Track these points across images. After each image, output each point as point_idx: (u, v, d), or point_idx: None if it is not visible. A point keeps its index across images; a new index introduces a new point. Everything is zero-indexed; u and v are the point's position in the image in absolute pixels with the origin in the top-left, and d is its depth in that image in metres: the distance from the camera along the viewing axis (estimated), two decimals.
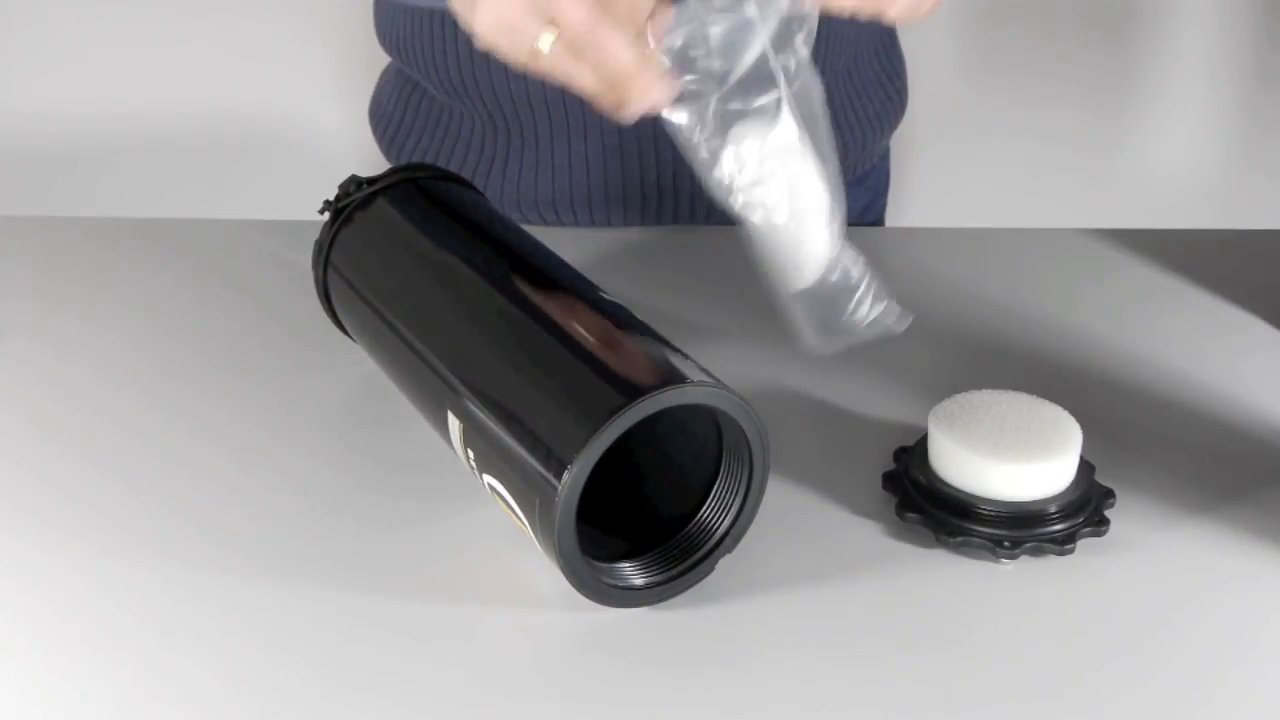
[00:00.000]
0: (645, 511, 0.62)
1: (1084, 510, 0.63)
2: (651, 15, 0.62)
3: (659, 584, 0.60)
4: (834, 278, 0.65)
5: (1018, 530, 0.62)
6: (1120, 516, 0.64)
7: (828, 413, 0.74)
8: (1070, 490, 0.63)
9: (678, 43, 0.62)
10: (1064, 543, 0.62)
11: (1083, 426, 0.64)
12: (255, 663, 0.57)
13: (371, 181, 0.74)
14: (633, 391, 0.55)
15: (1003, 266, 0.89)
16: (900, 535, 0.64)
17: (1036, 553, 0.62)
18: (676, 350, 0.60)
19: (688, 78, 0.63)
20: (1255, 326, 0.83)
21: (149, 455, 0.70)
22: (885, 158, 1.11)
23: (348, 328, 0.75)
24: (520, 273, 0.66)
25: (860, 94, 1.00)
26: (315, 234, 0.74)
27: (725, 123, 0.64)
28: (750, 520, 0.61)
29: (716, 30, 0.62)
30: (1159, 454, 0.70)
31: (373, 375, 0.76)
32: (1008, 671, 0.56)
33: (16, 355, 0.79)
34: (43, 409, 0.74)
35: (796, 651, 0.58)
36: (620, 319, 0.61)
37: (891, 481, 0.66)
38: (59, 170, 1.73)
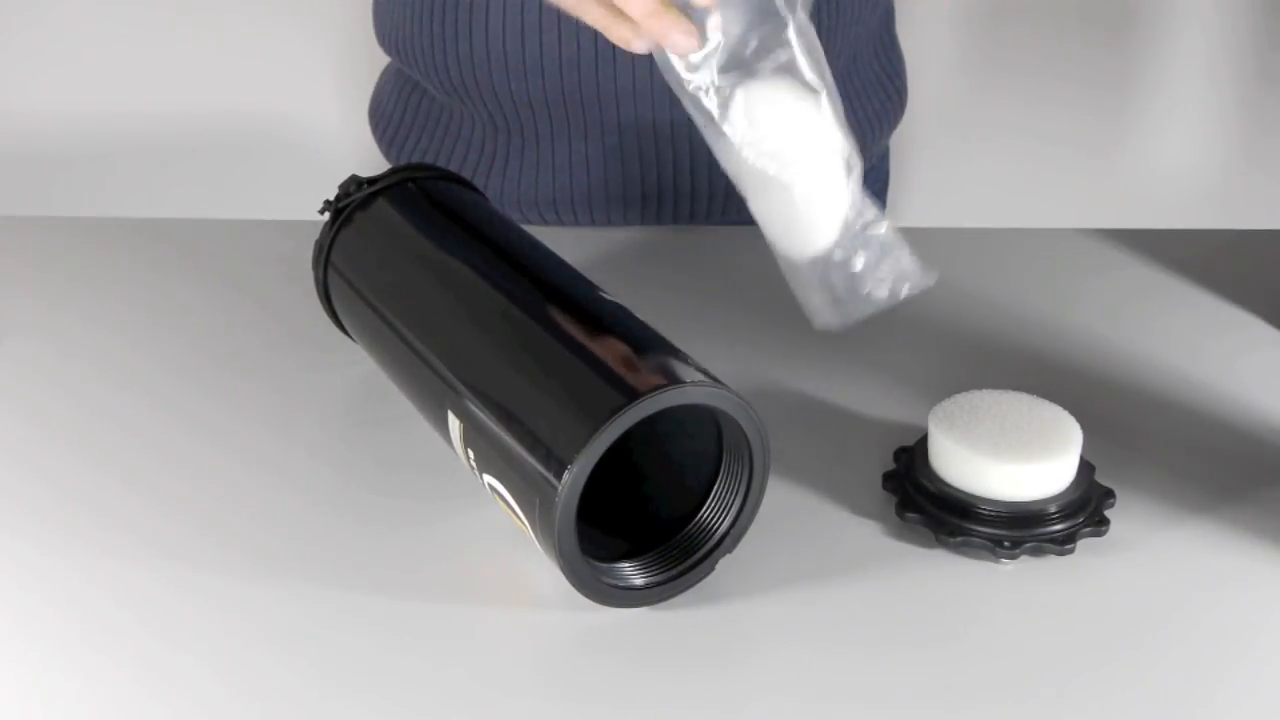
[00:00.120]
0: (645, 511, 0.62)
1: (1084, 510, 0.63)
2: None
3: (659, 584, 0.60)
4: (854, 237, 0.63)
5: (1018, 530, 0.62)
6: (1120, 516, 0.64)
7: (828, 413, 0.74)
8: (1070, 490, 0.63)
9: None
10: (1064, 543, 0.62)
11: (1083, 426, 0.64)
12: (255, 663, 0.57)
13: (372, 181, 0.74)
14: (633, 392, 0.55)
15: (1003, 266, 0.90)
16: (900, 535, 0.64)
17: (1036, 553, 0.62)
18: (676, 350, 0.60)
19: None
20: (1255, 326, 0.83)
21: (149, 455, 0.70)
22: (885, 158, 1.11)
23: (348, 328, 0.75)
24: (520, 273, 0.66)
25: (860, 94, 1.00)
26: (315, 234, 0.74)
27: (734, 79, 0.63)
28: (750, 520, 0.61)
29: None
30: (1159, 454, 0.70)
31: (373, 375, 0.76)
32: (1008, 671, 0.56)
33: (16, 355, 0.79)
34: (43, 409, 0.74)
35: (796, 651, 0.58)
36: (620, 319, 0.61)
37: (891, 481, 0.66)
38: (59, 170, 1.73)
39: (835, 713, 0.55)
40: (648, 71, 0.90)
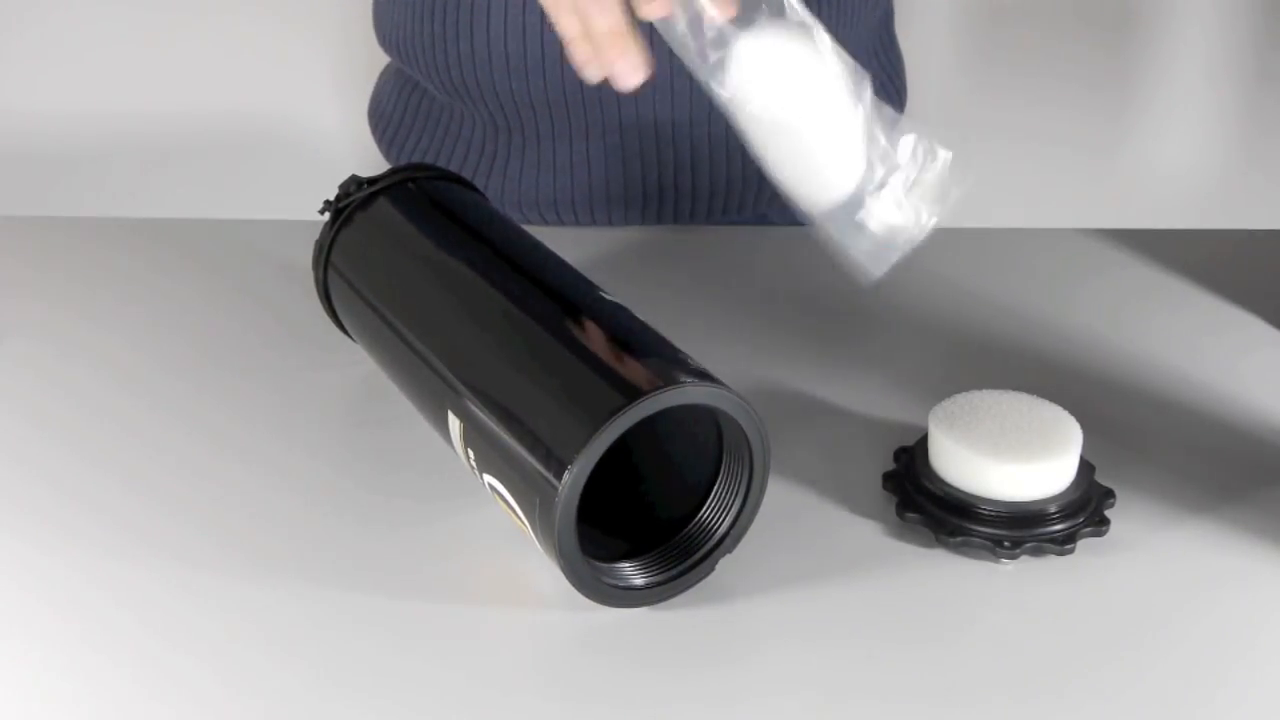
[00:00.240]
0: (645, 511, 0.62)
1: (1084, 510, 0.63)
2: None
3: (659, 584, 0.60)
4: (876, 176, 0.61)
5: (1018, 530, 0.62)
6: (1120, 516, 0.64)
7: (828, 413, 0.74)
8: (1070, 490, 0.63)
9: None
10: (1064, 543, 0.62)
11: (1083, 426, 0.64)
12: (255, 663, 0.57)
13: (372, 181, 0.73)
14: (633, 392, 0.55)
15: (1003, 266, 0.89)
16: (900, 535, 0.64)
17: (1036, 553, 0.62)
18: (676, 350, 0.60)
19: None
20: (1255, 326, 0.83)
21: (149, 455, 0.70)
22: None
23: (348, 328, 0.75)
24: (520, 273, 0.66)
25: None
26: (315, 234, 0.74)
27: (727, 32, 0.62)
28: (750, 520, 0.61)
29: None
30: (1159, 454, 0.70)
31: (373, 375, 0.76)
32: (1008, 671, 0.56)
33: (16, 355, 0.79)
34: (43, 409, 0.74)
35: (796, 651, 0.58)
36: (620, 319, 0.61)
37: (891, 481, 0.66)
38: (59, 170, 1.73)
39: (835, 712, 0.55)
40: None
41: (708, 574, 0.61)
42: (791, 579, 0.61)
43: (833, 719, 0.54)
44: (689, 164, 0.96)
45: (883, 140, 0.61)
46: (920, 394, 0.73)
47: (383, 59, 1.05)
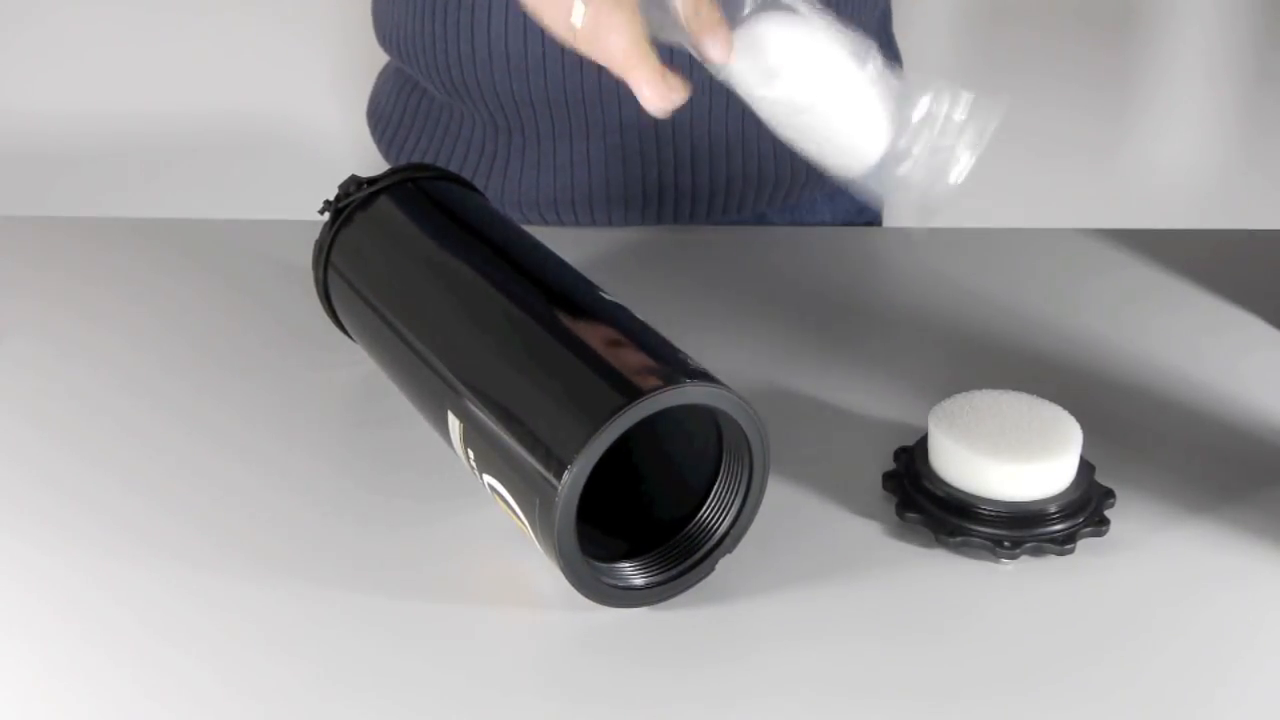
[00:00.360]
0: (645, 511, 0.62)
1: (1084, 510, 0.63)
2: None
3: (659, 584, 0.60)
4: (906, 132, 0.62)
5: (1018, 530, 0.62)
6: (1120, 516, 0.64)
7: (828, 413, 0.74)
8: (1070, 490, 0.63)
9: None
10: (1064, 543, 0.62)
11: (1083, 426, 0.64)
12: (255, 663, 0.57)
13: (372, 181, 0.74)
14: (633, 391, 0.55)
15: (1003, 266, 0.89)
16: (900, 535, 0.64)
17: (1036, 553, 0.62)
18: (677, 350, 0.60)
19: None
20: (1255, 326, 0.83)
21: (149, 455, 0.70)
22: None
23: (348, 328, 0.75)
24: (520, 273, 0.66)
25: None
26: (315, 234, 0.74)
27: (734, 15, 0.62)
28: (750, 520, 0.61)
29: None
30: (1159, 454, 0.70)
31: (373, 375, 0.76)
32: (1008, 671, 0.56)
33: (16, 355, 0.79)
34: (43, 409, 0.74)
35: (796, 651, 0.58)
36: (620, 319, 0.61)
37: (891, 481, 0.66)
38: (59, 170, 1.73)
39: (835, 712, 0.55)
40: None
41: (708, 574, 0.61)
42: (791, 579, 0.61)
43: (833, 719, 0.54)
44: (689, 163, 0.96)
45: (903, 93, 0.62)
46: (920, 394, 0.73)
47: (382, 59, 1.05)
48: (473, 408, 0.60)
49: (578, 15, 0.63)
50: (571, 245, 0.80)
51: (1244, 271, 0.88)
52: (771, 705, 0.55)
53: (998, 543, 0.62)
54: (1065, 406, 0.65)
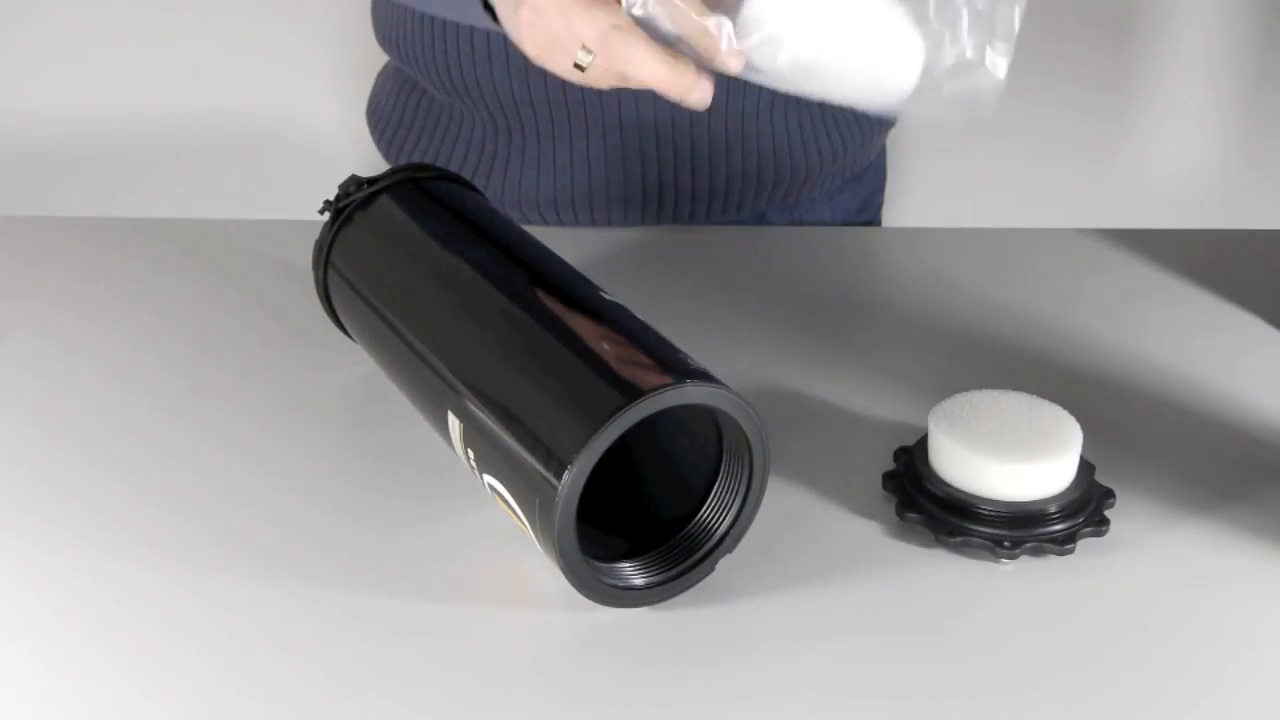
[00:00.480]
0: (645, 511, 0.62)
1: (1084, 510, 0.63)
2: None
3: (659, 584, 0.60)
4: (930, 51, 0.61)
5: (1018, 530, 0.62)
6: (1120, 516, 0.64)
7: (828, 413, 0.74)
8: (1070, 490, 0.63)
9: None
10: (1064, 543, 0.62)
11: (1083, 426, 0.64)
12: (255, 663, 0.57)
13: (372, 181, 0.74)
14: (633, 392, 0.55)
15: (1003, 266, 0.90)
16: (900, 535, 0.64)
17: (1036, 553, 0.62)
18: (677, 350, 0.60)
19: None
20: (1254, 326, 0.83)
21: (149, 455, 0.70)
22: (882, 156, 1.11)
23: (348, 328, 0.75)
24: (520, 273, 0.66)
25: None
26: (315, 234, 0.74)
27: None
28: (750, 520, 0.61)
29: None
30: (1159, 454, 0.70)
31: (373, 375, 0.76)
32: (1008, 671, 0.56)
33: (16, 355, 0.79)
34: (43, 409, 0.74)
35: (796, 651, 0.58)
36: (620, 319, 0.61)
37: (891, 481, 0.66)
38: (59, 170, 1.73)
39: (835, 712, 0.55)
40: None
41: (708, 574, 0.61)
42: (791, 579, 0.61)
43: (832, 718, 0.54)
44: (689, 163, 0.96)
45: (918, 10, 0.62)
46: (920, 394, 0.73)
47: (382, 58, 1.05)
48: (473, 408, 0.61)
49: (584, 59, 0.66)
50: (571, 245, 0.80)
51: (1243, 271, 0.88)
52: (771, 705, 0.55)
53: (998, 543, 0.62)
54: (1065, 406, 0.65)
